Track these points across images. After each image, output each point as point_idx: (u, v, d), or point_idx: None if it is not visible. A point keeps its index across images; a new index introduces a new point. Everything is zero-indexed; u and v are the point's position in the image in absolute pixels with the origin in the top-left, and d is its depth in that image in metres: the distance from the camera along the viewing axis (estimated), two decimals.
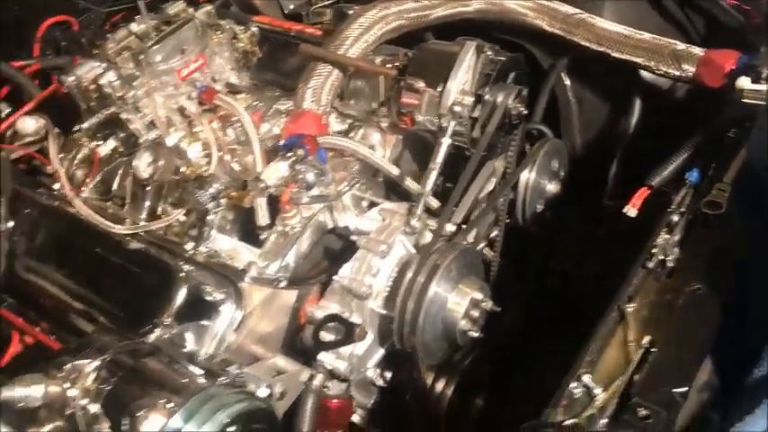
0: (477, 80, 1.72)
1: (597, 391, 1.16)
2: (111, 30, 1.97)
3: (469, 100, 1.68)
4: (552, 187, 1.93)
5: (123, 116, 1.63)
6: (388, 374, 1.68)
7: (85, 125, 1.71)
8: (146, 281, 1.52)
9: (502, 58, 1.75)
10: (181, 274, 1.47)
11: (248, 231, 1.70)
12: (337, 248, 1.74)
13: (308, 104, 1.78)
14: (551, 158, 1.92)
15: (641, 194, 1.51)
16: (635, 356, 1.19)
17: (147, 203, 1.71)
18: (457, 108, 1.67)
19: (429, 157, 1.72)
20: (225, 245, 1.64)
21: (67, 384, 1.21)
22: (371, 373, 1.66)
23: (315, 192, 1.65)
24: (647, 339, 1.21)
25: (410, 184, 1.76)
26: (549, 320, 2.05)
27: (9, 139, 1.86)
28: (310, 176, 1.63)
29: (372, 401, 1.73)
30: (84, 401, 1.20)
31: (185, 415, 1.13)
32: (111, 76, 1.65)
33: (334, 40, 1.86)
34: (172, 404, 1.13)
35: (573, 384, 1.19)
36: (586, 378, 1.18)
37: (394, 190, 1.84)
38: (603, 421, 1.12)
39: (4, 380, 1.63)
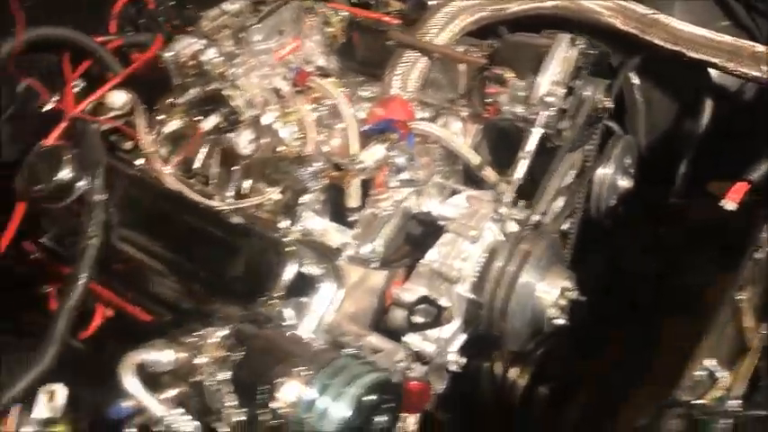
0: (570, 72, 1.74)
1: (721, 374, 1.18)
2: (194, 9, 1.97)
3: (562, 91, 1.70)
4: (625, 183, 1.96)
5: (225, 93, 1.64)
6: (464, 360, 1.70)
7: (181, 100, 1.71)
8: (251, 255, 1.52)
9: (592, 52, 1.78)
10: (289, 249, 1.47)
11: (336, 212, 1.71)
12: (417, 233, 1.76)
13: (395, 90, 1.80)
14: (625, 154, 1.95)
15: (740, 189, 1.53)
16: (755, 342, 1.21)
17: (236, 182, 1.72)
18: (549, 99, 1.69)
19: (506, 148, 1.74)
20: (317, 224, 1.64)
21: (194, 351, 1.22)
22: (452, 357, 1.68)
23: (405, 176, 1.67)
24: (766, 326, 1.24)
25: (490, 173, 1.78)
26: (610, 316, 2.07)
27: (90, 112, 1.85)
28: (401, 161, 1.66)
29: (444, 387, 1.75)
30: (213, 369, 1.21)
31: (320, 386, 1.14)
32: (212, 52, 1.64)
33: (420, 29, 1.88)
34: (309, 372, 1.14)
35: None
36: (709, 362, 1.20)
37: (469, 178, 1.86)
38: (733, 402, 1.14)
39: (90, 350, 1.64)
